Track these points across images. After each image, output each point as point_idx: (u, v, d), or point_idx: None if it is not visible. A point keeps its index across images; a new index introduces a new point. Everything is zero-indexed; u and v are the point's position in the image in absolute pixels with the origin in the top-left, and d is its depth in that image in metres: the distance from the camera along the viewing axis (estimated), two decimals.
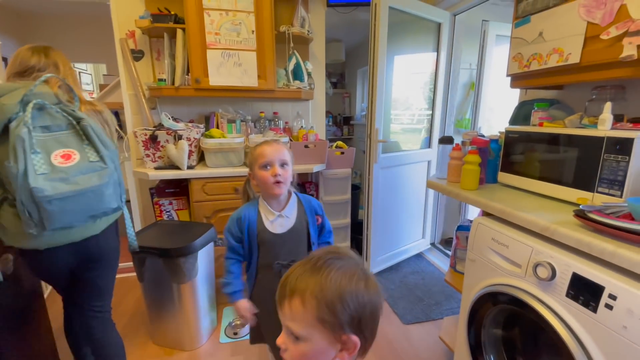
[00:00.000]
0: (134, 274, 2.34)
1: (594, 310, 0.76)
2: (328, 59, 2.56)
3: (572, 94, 1.42)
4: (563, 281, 0.83)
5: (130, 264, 2.42)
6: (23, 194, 0.88)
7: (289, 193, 1.13)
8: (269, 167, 1.04)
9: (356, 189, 2.88)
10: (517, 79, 1.33)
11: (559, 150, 1.08)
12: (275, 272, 1.09)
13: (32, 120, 0.93)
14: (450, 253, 2.64)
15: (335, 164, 2.35)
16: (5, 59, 3.39)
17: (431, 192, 2.65)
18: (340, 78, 4.64)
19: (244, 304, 1.08)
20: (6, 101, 0.93)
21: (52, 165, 0.94)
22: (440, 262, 2.58)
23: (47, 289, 2.19)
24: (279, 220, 1.09)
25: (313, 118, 2.51)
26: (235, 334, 1.76)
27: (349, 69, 4.53)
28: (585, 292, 0.78)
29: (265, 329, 1.16)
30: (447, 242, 2.87)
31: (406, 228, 2.59)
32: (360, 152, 2.82)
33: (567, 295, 0.82)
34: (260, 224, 1.08)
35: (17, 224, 0.94)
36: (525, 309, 0.92)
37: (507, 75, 1.35)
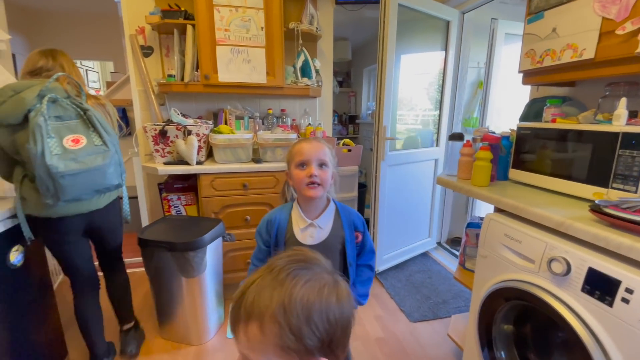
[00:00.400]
0: (143, 268, 2.36)
1: (610, 304, 0.76)
2: (335, 58, 2.56)
3: (584, 90, 1.42)
4: (578, 276, 0.83)
5: (139, 258, 2.44)
6: (41, 170, 1.07)
7: (327, 200, 1.01)
8: (305, 166, 0.94)
9: (362, 188, 2.88)
10: (529, 76, 1.32)
11: (572, 146, 1.07)
12: None
13: (47, 111, 1.11)
14: (456, 252, 2.64)
15: (342, 162, 2.34)
16: (14, 55, 3.42)
17: (438, 190, 2.64)
18: (346, 77, 4.65)
19: None
20: (26, 95, 1.10)
21: (64, 148, 1.13)
22: (447, 261, 2.57)
23: (57, 281, 2.21)
24: (310, 229, 0.97)
25: (320, 115, 2.52)
26: None
27: (355, 68, 4.53)
28: (601, 287, 0.78)
29: None
30: (453, 241, 2.86)
31: (413, 227, 2.58)
32: (365, 151, 2.82)
33: (583, 290, 0.82)
34: (290, 231, 0.98)
35: (36, 196, 1.15)
36: (538, 305, 0.91)
37: (519, 72, 1.34)
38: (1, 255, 1.17)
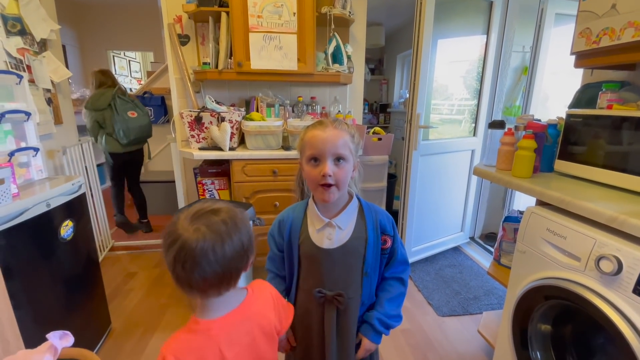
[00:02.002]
0: None
1: None
2: (367, 44, 2.49)
3: None
4: (630, 276, 0.76)
5: None
6: (121, 125, 2.40)
7: (349, 196, 0.84)
8: (317, 162, 0.75)
9: (391, 178, 2.82)
10: (583, 57, 1.21)
11: (629, 135, 0.97)
12: (316, 302, 0.81)
13: (117, 100, 2.41)
14: (490, 248, 2.53)
15: (372, 151, 2.30)
16: (64, 47, 3.67)
17: (473, 183, 2.53)
18: (378, 64, 4.52)
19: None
20: (107, 94, 2.42)
21: (129, 116, 2.45)
22: (480, 256, 2.47)
23: (102, 256, 2.39)
24: (327, 230, 0.80)
25: (350, 103, 2.47)
26: None
27: (388, 54, 4.39)
28: None
29: None
30: (487, 237, 2.74)
31: (444, 220, 2.50)
32: (396, 141, 2.75)
33: (634, 291, 0.75)
34: (305, 232, 0.81)
35: (113, 142, 2.47)
36: (582, 305, 0.85)
37: (572, 54, 1.23)
38: (54, 229, 1.28)
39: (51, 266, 1.27)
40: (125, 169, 2.67)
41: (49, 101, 1.91)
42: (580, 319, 0.98)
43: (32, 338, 1.08)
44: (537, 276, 1.00)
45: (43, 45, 1.88)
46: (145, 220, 2.86)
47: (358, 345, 0.87)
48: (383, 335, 0.86)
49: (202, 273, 0.57)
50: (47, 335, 0.95)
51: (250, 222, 1.76)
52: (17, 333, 1.08)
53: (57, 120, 2.00)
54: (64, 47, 3.68)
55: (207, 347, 0.62)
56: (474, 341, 1.62)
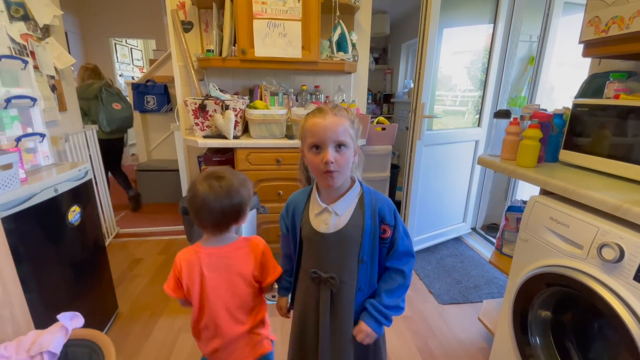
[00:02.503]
0: (184, 236, 2.51)
1: None
2: (372, 32, 2.46)
3: None
4: (632, 263, 0.77)
5: (180, 227, 2.60)
6: (106, 116, 2.71)
7: (352, 180, 0.86)
8: (319, 149, 0.77)
9: (394, 169, 2.82)
10: (592, 46, 1.19)
11: (636, 125, 0.97)
12: (312, 282, 0.86)
13: (105, 92, 2.71)
14: (492, 239, 2.55)
15: (375, 140, 2.30)
16: (66, 33, 3.64)
17: (476, 174, 2.53)
18: (382, 53, 4.48)
19: (279, 301, 1.02)
20: (95, 86, 2.71)
21: (113, 107, 2.77)
22: (481, 247, 2.49)
23: (107, 242, 2.42)
24: (324, 215, 0.83)
25: (355, 92, 2.46)
26: (274, 296, 1.84)
27: (393, 44, 4.34)
28: None
29: (292, 344, 0.98)
30: (489, 228, 2.75)
31: (446, 210, 2.51)
32: (400, 131, 2.74)
33: (635, 278, 0.76)
34: (306, 215, 0.86)
35: (98, 130, 2.57)
36: (583, 292, 0.86)
37: (580, 42, 1.21)
38: (61, 215, 1.30)
39: (60, 251, 1.30)
40: (104, 154, 2.60)
41: (53, 88, 1.91)
42: (580, 306, 1.00)
43: (43, 321, 1.11)
44: (539, 264, 1.01)
45: (46, 31, 1.87)
46: (133, 193, 3.09)
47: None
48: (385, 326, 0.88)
49: (203, 217, 0.86)
50: (58, 316, 0.98)
51: (255, 210, 1.78)
52: (27, 315, 1.11)
53: (62, 107, 2.01)
54: (66, 34, 3.66)
55: (194, 262, 0.90)
56: (473, 328, 1.65)
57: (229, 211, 0.85)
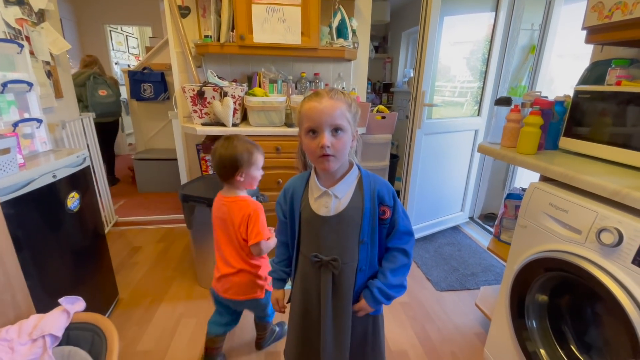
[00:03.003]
0: (183, 224, 2.52)
1: None
2: (372, 20, 2.43)
3: None
4: (630, 247, 0.78)
5: (180, 215, 2.60)
6: (91, 101, 3.06)
7: (349, 165, 0.86)
8: (315, 134, 0.76)
9: (393, 158, 2.82)
10: (595, 33, 1.18)
11: (637, 111, 0.97)
12: (312, 266, 0.87)
13: (92, 80, 3.07)
14: (489, 228, 2.57)
15: (375, 129, 2.29)
16: (60, 20, 3.57)
17: (475, 164, 2.53)
18: (382, 42, 4.42)
19: (274, 294, 1.00)
20: (85, 74, 3.08)
21: (98, 93, 3.14)
22: (479, 235, 2.51)
23: (107, 229, 2.42)
24: (324, 198, 0.83)
25: (354, 80, 2.44)
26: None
27: (393, 32, 4.28)
28: None
29: (290, 332, 1.00)
30: (487, 217, 2.77)
31: (445, 199, 2.52)
32: (399, 121, 2.73)
33: (634, 262, 0.77)
34: (305, 199, 0.86)
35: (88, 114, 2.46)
36: (581, 276, 0.88)
37: (583, 28, 1.20)
38: (60, 201, 1.29)
39: (59, 237, 1.29)
40: (99, 136, 2.64)
41: (49, 74, 1.88)
42: (577, 290, 1.02)
43: (44, 306, 1.11)
44: (537, 249, 1.03)
45: (41, 15, 1.83)
46: (111, 177, 3.54)
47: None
48: (384, 305, 0.90)
49: (213, 165, 1.19)
50: (60, 300, 0.99)
51: (255, 198, 1.78)
52: (29, 299, 1.11)
53: (58, 94, 1.98)
54: (60, 21, 3.58)
55: (214, 205, 1.25)
56: (470, 314, 1.68)
57: (226, 162, 1.15)
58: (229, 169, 1.15)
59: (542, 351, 1.06)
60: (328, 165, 0.78)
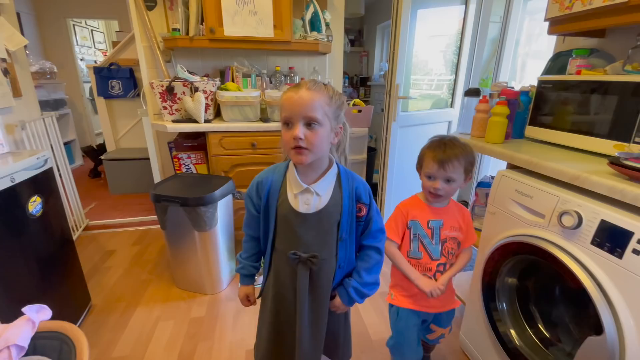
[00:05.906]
0: (158, 226, 2.45)
1: (620, 256, 0.75)
2: (346, 13, 2.42)
3: (614, 42, 1.31)
4: (589, 229, 0.82)
5: (154, 216, 2.53)
6: None
7: (329, 162, 0.84)
8: (289, 125, 0.76)
9: (371, 152, 2.84)
10: (557, 23, 1.23)
11: (596, 99, 1.01)
12: (290, 264, 0.85)
13: None
14: None
15: (352, 123, 2.25)
16: (18, 14, 3.35)
17: None
18: (358, 35, 4.43)
19: (243, 290, 0.98)
20: None
21: None
22: None
23: (76, 235, 2.32)
24: (305, 195, 0.81)
25: (330, 73, 2.43)
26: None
27: (368, 25, 4.30)
28: (611, 239, 0.77)
29: (262, 327, 0.99)
30: None
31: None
32: (376, 115, 2.75)
33: (593, 242, 0.81)
34: (283, 194, 0.83)
35: None
36: (545, 258, 0.92)
37: (545, 20, 1.25)
38: (21, 205, 1.22)
39: (22, 243, 1.22)
40: None
41: (5, 72, 1.77)
42: (543, 272, 1.06)
43: (8, 316, 1.05)
44: (506, 234, 1.06)
45: None
46: (95, 170, 3.68)
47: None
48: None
49: None
50: (23, 309, 0.93)
51: (231, 196, 1.76)
52: None
53: (16, 92, 1.86)
54: (18, 15, 3.36)
55: None
56: None
57: None
58: None
59: (512, 331, 1.10)
60: (300, 159, 0.76)
